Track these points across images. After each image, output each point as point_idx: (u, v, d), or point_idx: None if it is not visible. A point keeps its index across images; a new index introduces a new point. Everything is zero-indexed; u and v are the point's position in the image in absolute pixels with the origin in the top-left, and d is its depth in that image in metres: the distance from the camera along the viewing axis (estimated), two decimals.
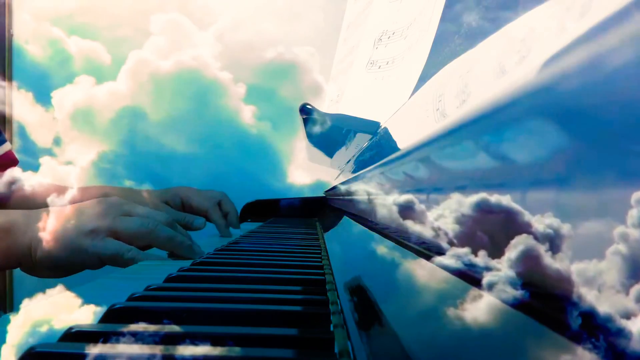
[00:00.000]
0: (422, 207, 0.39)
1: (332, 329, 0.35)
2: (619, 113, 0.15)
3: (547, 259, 0.19)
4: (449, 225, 0.31)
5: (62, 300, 0.42)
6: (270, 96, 1.99)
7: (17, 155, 1.11)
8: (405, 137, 0.61)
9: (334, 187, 1.45)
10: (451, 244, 0.30)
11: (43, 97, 1.81)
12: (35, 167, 1.50)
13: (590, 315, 0.15)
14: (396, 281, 0.42)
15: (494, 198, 0.24)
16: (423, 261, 0.37)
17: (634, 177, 0.14)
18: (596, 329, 0.15)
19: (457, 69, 0.43)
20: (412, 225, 0.41)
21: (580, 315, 0.16)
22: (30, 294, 0.42)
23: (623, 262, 0.14)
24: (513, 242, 0.21)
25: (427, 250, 0.36)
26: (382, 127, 0.88)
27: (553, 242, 0.19)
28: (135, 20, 1.99)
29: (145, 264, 0.68)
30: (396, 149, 0.61)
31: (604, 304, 0.15)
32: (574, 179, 0.18)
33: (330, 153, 1.50)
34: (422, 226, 0.38)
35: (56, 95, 1.85)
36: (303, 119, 1.42)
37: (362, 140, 1.08)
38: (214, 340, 0.30)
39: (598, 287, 0.15)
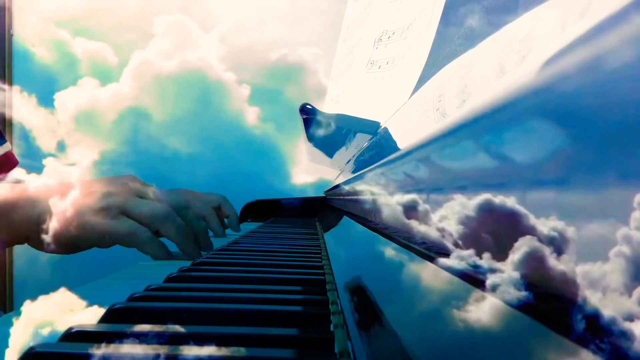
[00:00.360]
0: (422, 207, 0.39)
1: (332, 329, 0.35)
2: (621, 113, 0.15)
3: (546, 260, 0.19)
4: (449, 226, 0.31)
5: (62, 300, 0.42)
6: (274, 97, 1.99)
7: (19, 159, 1.11)
8: (405, 137, 0.61)
9: (334, 187, 1.45)
10: (451, 243, 0.30)
11: (46, 99, 1.81)
12: (39, 169, 1.50)
13: (594, 317, 0.15)
14: (396, 281, 0.43)
15: (494, 199, 0.24)
16: (423, 261, 0.37)
17: (637, 178, 0.14)
18: (600, 331, 0.15)
19: (457, 69, 0.43)
20: (412, 225, 0.41)
21: (583, 317, 0.16)
22: (31, 293, 0.42)
23: (627, 263, 0.14)
24: (517, 244, 0.21)
25: (427, 250, 0.36)
26: (382, 127, 0.88)
27: (553, 243, 0.19)
28: (139, 22, 1.99)
29: (146, 264, 0.68)
30: (396, 149, 0.61)
31: (608, 306, 0.15)
32: (575, 180, 0.18)
33: (330, 153, 1.50)
34: (422, 226, 0.38)
35: (59, 98, 1.85)
36: (303, 118, 1.42)
37: (362, 140, 1.08)
38: (214, 340, 0.30)
39: (602, 289, 0.15)
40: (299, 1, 2.03)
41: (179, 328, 0.32)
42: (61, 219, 0.68)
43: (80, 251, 0.72)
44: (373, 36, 1.20)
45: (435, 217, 0.35)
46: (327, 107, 1.56)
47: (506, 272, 0.22)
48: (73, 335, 0.32)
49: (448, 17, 0.76)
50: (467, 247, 0.28)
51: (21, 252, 1.91)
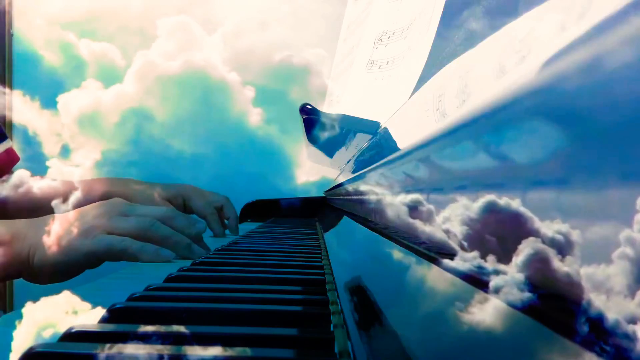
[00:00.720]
0: (422, 207, 0.39)
1: (332, 329, 0.35)
2: (622, 113, 0.15)
3: (548, 261, 0.19)
4: (449, 226, 0.31)
5: (62, 300, 0.42)
6: (279, 99, 1.99)
7: (22, 163, 1.11)
8: (405, 137, 0.61)
9: (334, 187, 1.45)
10: (451, 244, 0.30)
11: (49, 101, 1.81)
12: (43, 172, 1.50)
13: (598, 320, 0.15)
14: (396, 281, 0.43)
15: (494, 199, 0.24)
16: (423, 261, 0.37)
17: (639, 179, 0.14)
18: (605, 333, 0.15)
19: (457, 69, 0.43)
20: (412, 225, 0.41)
21: (587, 320, 0.16)
22: (31, 294, 0.42)
23: (632, 265, 0.14)
24: (520, 246, 0.21)
25: (428, 250, 0.36)
26: (382, 127, 0.88)
27: (553, 243, 0.19)
28: (142, 23, 1.99)
29: (146, 264, 0.68)
30: (396, 149, 0.61)
31: (612, 308, 0.15)
32: (575, 181, 0.18)
33: (330, 153, 1.50)
34: (422, 226, 0.38)
35: (62, 100, 1.84)
36: (303, 118, 1.42)
37: (362, 140, 1.08)
38: (214, 340, 0.30)
39: (606, 291, 0.15)
40: (301, 4, 2.03)
41: (179, 328, 0.32)
42: (48, 249, 0.70)
43: (74, 277, 0.73)
44: (373, 36, 1.20)
45: (435, 217, 0.35)
46: (327, 107, 1.56)
47: (503, 271, 0.22)
48: (73, 335, 0.32)
49: (448, 17, 0.76)
50: (467, 247, 0.28)
51: None
